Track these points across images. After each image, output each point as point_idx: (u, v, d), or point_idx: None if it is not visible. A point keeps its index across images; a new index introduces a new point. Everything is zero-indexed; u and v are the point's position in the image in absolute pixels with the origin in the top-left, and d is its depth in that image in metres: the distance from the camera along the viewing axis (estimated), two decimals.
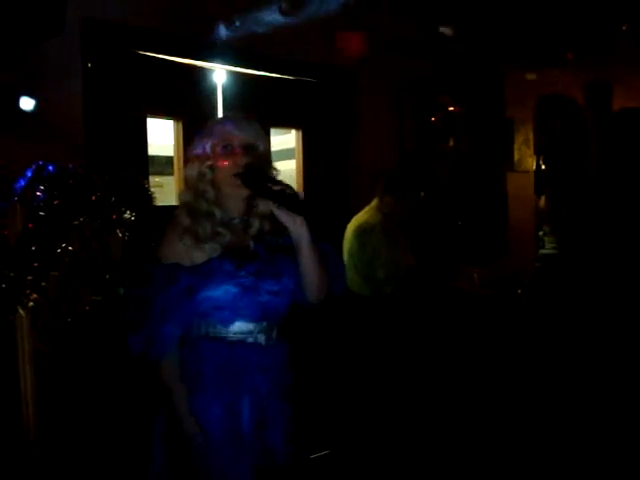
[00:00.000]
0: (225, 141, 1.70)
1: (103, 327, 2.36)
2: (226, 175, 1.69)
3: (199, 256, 1.66)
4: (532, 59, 5.39)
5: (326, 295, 1.79)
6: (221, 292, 1.63)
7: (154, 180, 4.42)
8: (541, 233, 6.36)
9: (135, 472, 1.72)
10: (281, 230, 1.72)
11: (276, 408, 1.71)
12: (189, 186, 1.73)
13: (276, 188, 1.63)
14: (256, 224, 1.75)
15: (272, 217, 1.71)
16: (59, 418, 2.08)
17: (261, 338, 1.70)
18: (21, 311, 1.90)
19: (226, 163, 1.69)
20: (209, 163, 1.70)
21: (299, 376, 1.81)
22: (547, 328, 4.17)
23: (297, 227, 1.66)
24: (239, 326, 1.67)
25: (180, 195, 1.77)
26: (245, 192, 1.70)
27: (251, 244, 1.74)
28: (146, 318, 1.61)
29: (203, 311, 1.66)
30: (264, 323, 1.70)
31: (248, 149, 1.71)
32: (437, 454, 3.26)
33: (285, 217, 1.65)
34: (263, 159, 1.75)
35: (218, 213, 1.70)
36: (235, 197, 1.72)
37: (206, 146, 1.71)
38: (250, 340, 1.68)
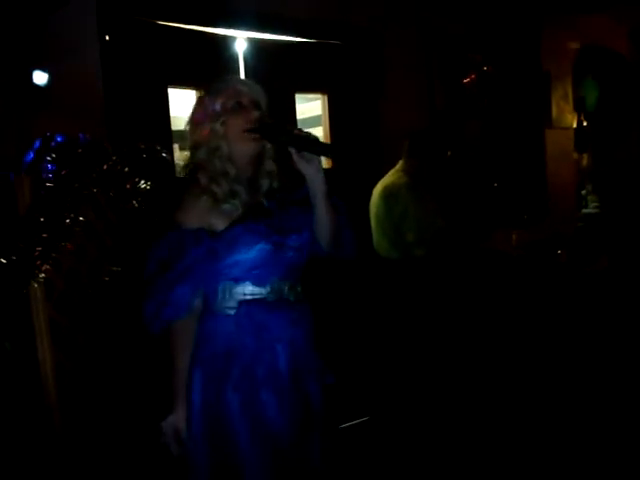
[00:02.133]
0: (235, 97, 1.70)
1: (124, 297, 2.35)
2: (238, 131, 1.68)
3: (219, 219, 1.66)
4: (569, 7, 5.11)
5: (341, 248, 1.80)
6: (255, 252, 1.63)
7: (182, 153, 4.41)
8: (583, 192, 6.12)
9: (153, 442, 1.70)
10: (289, 186, 1.76)
11: (311, 359, 1.74)
12: (201, 144, 1.70)
13: (297, 133, 1.65)
14: (266, 182, 1.76)
15: (279, 174, 1.76)
16: (79, 388, 2.08)
17: (291, 294, 1.72)
18: (34, 283, 1.89)
19: (238, 119, 1.69)
20: (223, 119, 1.69)
21: (330, 342, 1.80)
22: (587, 290, 4.01)
23: (314, 172, 1.66)
24: (272, 284, 1.68)
25: (195, 155, 1.73)
26: (256, 148, 1.71)
27: (264, 201, 1.73)
28: (162, 281, 1.59)
29: (236, 276, 1.65)
30: (291, 279, 1.73)
31: (257, 105, 1.72)
32: (468, 426, 3.18)
33: (303, 163, 1.65)
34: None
35: (232, 170, 1.68)
36: (245, 154, 1.71)
37: (216, 105, 1.70)
38: (283, 297, 1.70)
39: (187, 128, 1.76)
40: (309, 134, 1.66)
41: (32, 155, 2.04)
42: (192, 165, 1.73)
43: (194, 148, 1.72)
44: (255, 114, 1.69)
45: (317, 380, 1.75)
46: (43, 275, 1.90)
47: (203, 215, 1.65)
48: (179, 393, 1.63)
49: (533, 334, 3.83)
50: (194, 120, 1.73)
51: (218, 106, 1.69)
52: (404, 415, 3.31)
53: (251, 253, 1.63)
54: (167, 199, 1.96)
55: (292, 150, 1.64)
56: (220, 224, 1.65)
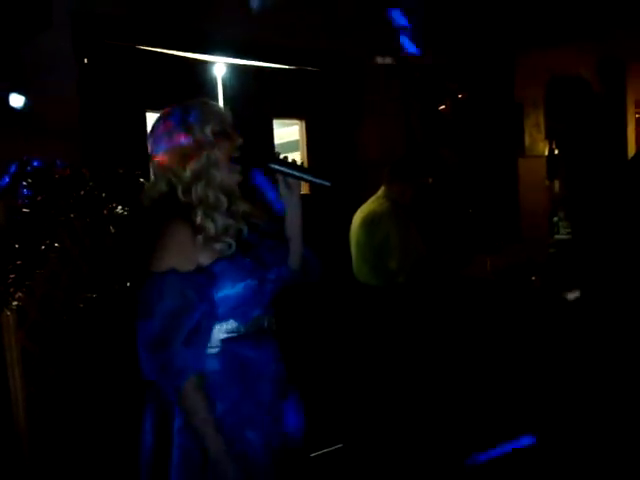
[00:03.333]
0: (221, 124, 1.60)
1: (99, 324, 2.31)
2: (226, 159, 1.59)
3: (206, 255, 1.53)
4: (542, 40, 5.25)
5: (309, 273, 1.78)
6: (240, 289, 1.56)
7: None
8: (555, 219, 6.23)
9: (127, 469, 1.65)
10: (259, 214, 1.69)
11: (290, 392, 1.71)
12: (199, 177, 1.56)
13: (282, 158, 1.63)
14: (243, 208, 1.66)
15: (250, 201, 1.68)
16: (50, 418, 2.03)
17: (269, 326, 1.67)
18: (6, 310, 1.85)
19: (226, 146, 1.59)
20: (216, 149, 1.58)
21: (307, 369, 1.77)
22: (562, 315, 4.06)
23: (296, 200, 1.67)
24: (253, 319, 1.62)
25: (192, 189, 1.55)
26: (240, 177, 1.63)
27: (245, 231, 1.62)
28: (173, 339, 1.46)
29: (220, 313, 1.56)
30: (269, 312, 1.68)
31: (236, 131, 1.65)
32: (447, 448, 3.18)
33: (286, 191, 1.65)
34: None
35: (225, 203, 1.57)
36: (232, 183, 1.62)
37: (206, 130, 1.56)
38: (262, 329, 1.64)
39: (164, 158, 1.57)
40: (294, 160, 1.65)
41: (7, 179, 2.01)
42: (182, 200, 1.55)
43: (191, 183, 1.55)
44: (240, 140, 1.62)
45: (295, 410, 1.71)
46: (16, 303, 1.86)
47: (188, 253, 1.51)
48: (212, 431, 1.50)
49: (511, 360, 3.85)
50: (180, 149, 1.56)
51: (209, 132, 1.57)
52: (378, 443, 3.29)
53: (237, 289, 1.55)
54: (146, 235, 1.65)
55: (280, 176, 1.63)
56: (206, 260, 1.53)
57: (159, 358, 1.46)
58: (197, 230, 1.52)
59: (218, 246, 1.53)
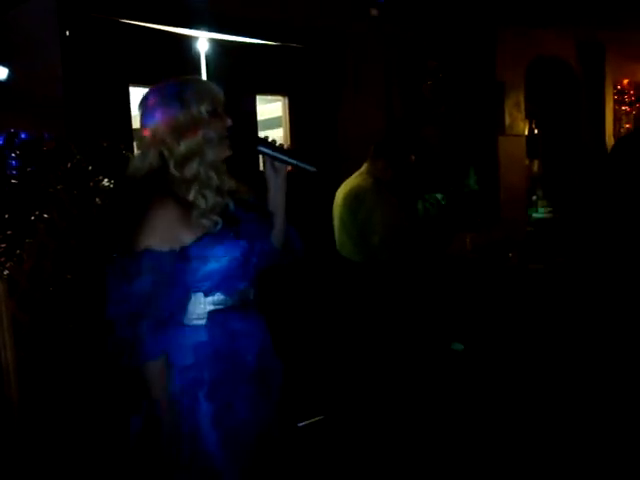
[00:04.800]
0: (214, 103, 1.61)
1: (85, 295, 2.35)
2: (217, 138, 1.61)
3: (189, 232, 1.55)
4: (524, 20, 5.30)
5: (291, 249, 1.83)
6: (225, 263, 1.59)
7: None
8: (534, 197, 6.35)
9: (115, 440, 1.71)
10: (244, 189, 1.72)
11: (274, 360, 1.75)
12: (194, 154, 1.57)
13: (271, 142, 1.68)
14: (229, 185, 1.68)
15: (235, 177, 1.70)
16: (41, 387, 2.08)
17: (254, 299, 1.72)
18: None
19: (217, 125, 1.61)
20: (211, 127, 1.59)
21: (290, 342, 1.81)
22: (542, 294, 4.17)
23: (281, 181, 1.72)
24: (238, 292, 1.66)
25: (185, 165, 1.56)
26: (228, 154, 1.65)
27: (231, 205, 1.66)
28: (130, 316, 1.49)
29: (207, 288, 1.60)
30: (253, 284, 1.71)
31: (226, 111, 1.67)
32: (429, 422, 3.27)
33: (271, 172, 1.71)
34: None
35: (216, 181, 1.60)
36: (220, 161, 1.64)
37: (201, 109, 1.58)
38: (248, 301, 1.68)
39: (155, 130, 1.57)
40: (282, 145, 1.70)
41: None
42: (175, 174, 1.56)
43: (185, 158, 1.56)
44: (229, 121, 1.64)
45: (279, 379, 1.77)
46: (7, 272, 1.89)
47: (172, 231, 1.53)
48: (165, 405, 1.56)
49: (489, 335, 3.96)
50: (175, 123, 1.56)
51: (204, 110, 1.58)
52: (359, 415, 3.37)
53: (222, 263, 1.58)
54: (134, 208, 1.61)
55: (267, 158, 1.68)
56: (189, 236, 1.55)
57: (128, 334, 1.49)
58: (188, 206, 1.55)
59: (206, 222, 1.56)
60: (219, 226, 1.58)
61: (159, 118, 1.57)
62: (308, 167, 1.68)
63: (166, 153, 1.58)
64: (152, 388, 1.55)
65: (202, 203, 1.56)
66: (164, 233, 1.52)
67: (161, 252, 1.51)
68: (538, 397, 3.38)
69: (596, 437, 2.91)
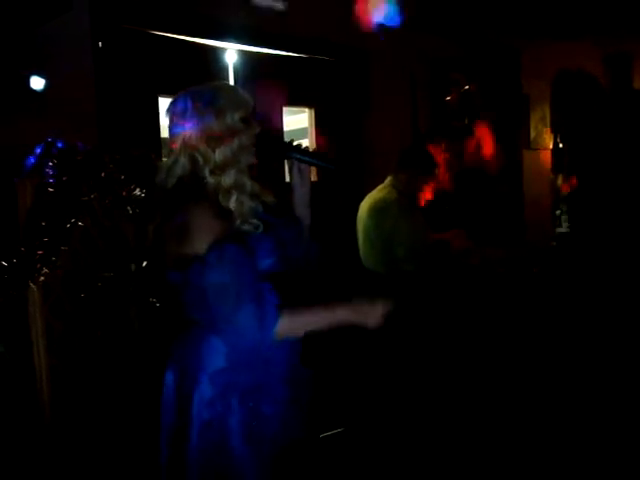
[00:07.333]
0: (245, 112, 1.64)
1: (115, 302, 2.37)
2: (249, 145, 1.64)
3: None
4: (549, 33, 5.28)
5: (309, 260, 1.84)
6: (265, 267, 1.60)
7: None
8: (558, 212, 6.29)
9: (146, 446, 1.72)
10: (267, 193, 1.74)
11: (303, 369, 1.76)
12: (232, 163, 1.60)
13: (296, 145, 1.74)
14: (254, 189, 1.69)
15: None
16: (73, 393, 2.10)
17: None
18: (32, 286, 1.91)
19: (249, 133, 1.64)
20: (244, 135, 1.62)
21: (312, 354, 1.82)
22: (561, 308, 4.13)
23: (307, 187, 1.78)
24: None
25: (222, 173, 1.58)
26: (253, 160, 1.67)
27: (259, 210, 1.67)
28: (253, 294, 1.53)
29: None
30: None
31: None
32: (450, 437, 3.24)
33: (297, 178, 1.76)
34: None
35: (250, 187, 1.63)
36: (249, 168, 1.66)
37: (235, 117, 1.60)
38: None
39: (189, 137, 1.57)
40: (307, 147, 1.75)
41: (33, 160, 2.07)
42: (209, 182, 1.58)
43: (222, 166, 1.58)
44: (258, 129, 1.67)
45: (309, 387, 1.77)
46: (42, 278, 1.92)
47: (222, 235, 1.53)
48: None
49: (512, 349, 3.92)
50: (210, 131, 1.57)
51: (238, 118, 1.61)
52: (380, 427, 3.35)
53: (262, 268, 1.58)
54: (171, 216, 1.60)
55: (295, 163, 1.72)
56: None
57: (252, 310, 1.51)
58: (223, 213, 1.56)
59: (246, 227, 1.58)
60: (260, 229, 1.60)
61: (192, 125, 1.58)
62: (328, 165, 1.80)
63: (200, 161, 1.59)
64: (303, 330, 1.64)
65: (241, 209, 1.58)
66: (212, 233, 1.51)
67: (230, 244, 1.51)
68: (557, 405, 3.34)
69: (596, 437, 2.88)
